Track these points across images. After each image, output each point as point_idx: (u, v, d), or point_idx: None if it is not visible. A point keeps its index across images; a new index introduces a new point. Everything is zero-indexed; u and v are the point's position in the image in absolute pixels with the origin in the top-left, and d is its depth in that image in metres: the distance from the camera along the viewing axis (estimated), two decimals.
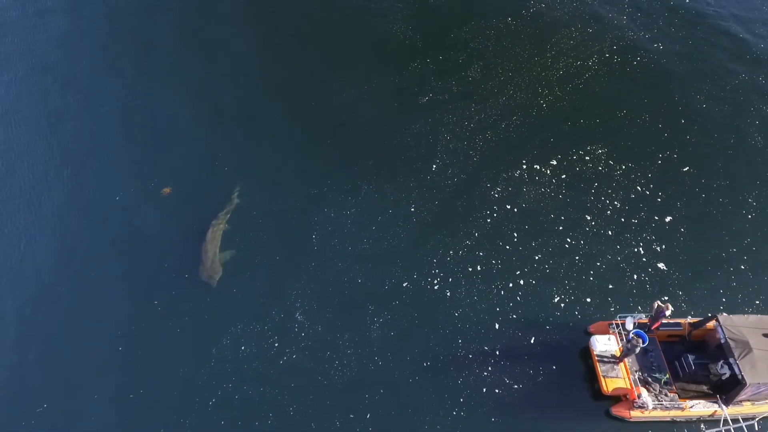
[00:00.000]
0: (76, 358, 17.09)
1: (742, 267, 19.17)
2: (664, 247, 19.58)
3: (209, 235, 18.99)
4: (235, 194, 20.54)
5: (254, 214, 20.39)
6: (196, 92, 24.47)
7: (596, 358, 16.15)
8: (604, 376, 15.83)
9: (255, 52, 26.00)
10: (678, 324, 16.88)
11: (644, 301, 17.89)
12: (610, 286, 18.46)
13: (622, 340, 16.25)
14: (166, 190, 21.18)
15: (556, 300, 18.13)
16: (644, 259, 19.22)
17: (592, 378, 16.42)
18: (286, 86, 24.53)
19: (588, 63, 25.64)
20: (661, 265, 19.07)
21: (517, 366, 16.80)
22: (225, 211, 20.03)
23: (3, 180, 21.34)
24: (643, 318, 16.67)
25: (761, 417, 15.67)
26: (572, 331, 17.42)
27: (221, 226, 19.48)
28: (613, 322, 16.75)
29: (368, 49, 26.18)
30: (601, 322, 17.08)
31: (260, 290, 18.43)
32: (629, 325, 16.06)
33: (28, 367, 16.95)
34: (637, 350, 15.67)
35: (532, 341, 17.29)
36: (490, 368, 16.79)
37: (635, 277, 18.74)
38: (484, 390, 16.31)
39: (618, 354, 16.11)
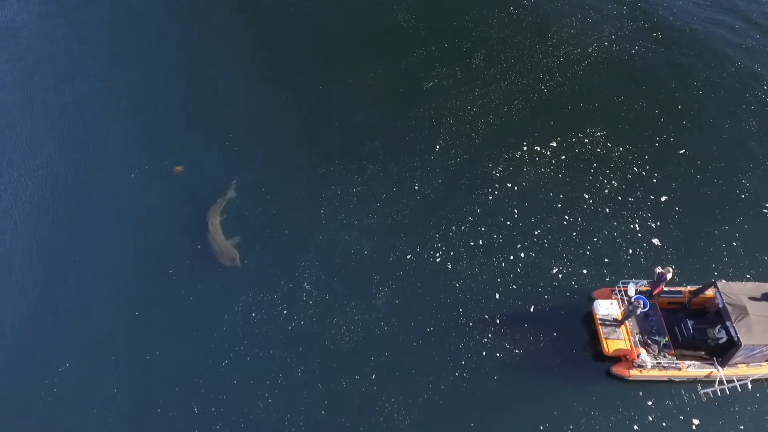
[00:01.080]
0: (96, 323, 17.95)
1: (734, 243, 19.85)
2: (659, 224, 20.28)
3: (210, 227, 19.61)
4: (231, 188, 21.03)
5: (263, 190, 21.19)
6: (209, 72, 25.40)
7: (599, 321, 16.93)
8: (605, 338, 16.60)
9: (267, 37, 26.86)
10: (678, 292, 17.67)
11: (638, 274, 18.58)
12: (606, 260, 19.18)
13: (623, 304, 16.99)
14: (179, 168, 22.01)
15: (554, 271, 18.86)
16: (639, 235, 19.93)
17: (592, 342, 17.21)
18: (296, 71, 25.38)
19: (587, 51, 26.36)
20: (655, 241, 19.77)
21: (517, 332, 17.54)
22: (219, 201, 20.49)
23: (27, 155, 22.38)
24: (645, 285, 17.42)
25: (754, 377, 16.36)
26: (570, 300, 18.15)
27: (217, 216, 19.98)
28: (616, 288, 17.50)
29: (375, 37, 26.97)
30: (604, 289, 17.89)
31: (270, 261, 19.21)
32: (631, 291, 16.80)
33: (53, 329, 17.83)
34: (638, 312, 16.42)
35: (531, 310, 18.02)
36: (490, 335, 17.52)
37: (630, 251, 19.46)
38: (484, 353, 17.05)
39: (620, 318, 16.85)
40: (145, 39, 27.07)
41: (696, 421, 15.99)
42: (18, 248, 19.73)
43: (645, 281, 17.52)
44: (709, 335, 16.80)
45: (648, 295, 17.11)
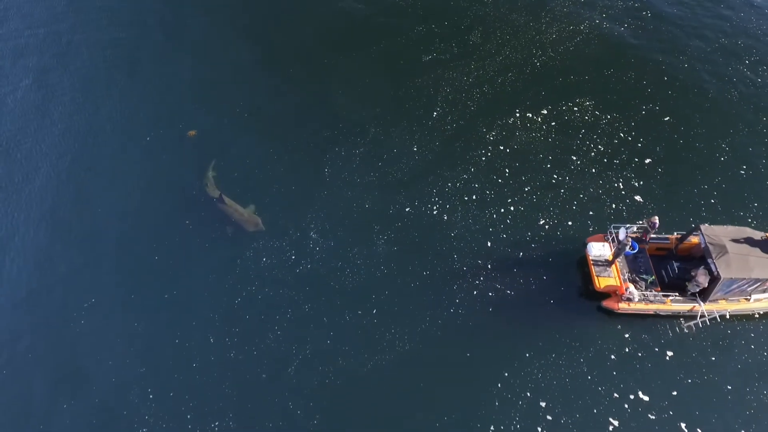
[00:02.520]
0: (118, 265, 19.52)
1: (712, 201, 21.23)
2: (641, 183, 21.68)
3: (225, 200, 20.76)
4: (211, 167, 21.89)
5: (271, 152, 22.69)
6: (220, 47, 26.94)
7: (591, 261, 18.44)
8: (597, 276, 18.11)
9: (276, 14, 28.41)
10: (666, 238, 19.21)
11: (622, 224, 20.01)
12: (591, 213, 20.61)
13: (614, 246, 18.44)
14: (192, 132, 23.53)
15: (541, 223, 20.31)
16: (623, 192, 21.34)
17: (581, 283, 18.74)
18: (302, 45, 26.88)
19: (579, 28, 27.76)
20: (638, 198, 21.18)
21: (507, 276, 19.00)
22: (208, 176, 21.46)
23: (52, 117, 24.06)
24: (635, 231, 18.84)
25: (732, 311, 17.87)
26: (557, 249, 19.61)
27: (217, 190, 21.08)
28: (608, 232, 18.96)
29: (376, 14, 28.38)
30: (597, 235, 19.40)
31: (278, 214, 20.70)
32: (621, 236, 18.23)
33: (78, 270, 19.45)
34: (626, 249, 17.90)
35: (520, 256, 19.49)
36: (482, 278, 18.97)
37: (614, 206, 20.88)
38: (476, 293, 18.53)
39: (610, 258, 18.33)
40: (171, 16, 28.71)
41: (670, 353, 17.40)
42: (44, 200, 21.35)
43: (635, 227, 18.93)
44: (693, 275, 18.21)
45: (638, 240, 18.54)
